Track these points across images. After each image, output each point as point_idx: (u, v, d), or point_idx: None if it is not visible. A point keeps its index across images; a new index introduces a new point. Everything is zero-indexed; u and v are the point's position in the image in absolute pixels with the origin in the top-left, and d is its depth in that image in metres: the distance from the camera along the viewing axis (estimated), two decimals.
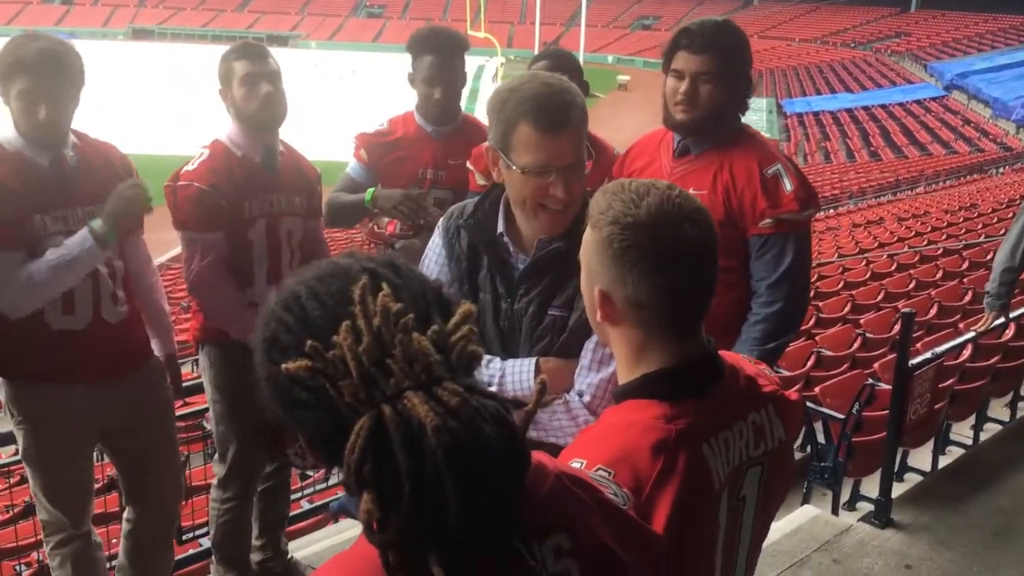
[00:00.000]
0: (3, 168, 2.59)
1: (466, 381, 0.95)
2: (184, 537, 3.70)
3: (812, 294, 8.01)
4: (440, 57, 3.25)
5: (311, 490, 4.26)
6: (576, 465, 1.30)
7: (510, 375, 1.94)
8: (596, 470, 1.28)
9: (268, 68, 3.00)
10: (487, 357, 1.95)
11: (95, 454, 3.05)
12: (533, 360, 1.95)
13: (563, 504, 1.08)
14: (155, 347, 3.03)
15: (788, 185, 2.61)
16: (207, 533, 3.61)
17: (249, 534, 3.35)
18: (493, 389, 1.84)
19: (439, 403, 0.91)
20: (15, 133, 2.64)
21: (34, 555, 3.90)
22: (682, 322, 1.42)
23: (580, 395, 1.96)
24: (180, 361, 3.22)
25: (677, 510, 1.29)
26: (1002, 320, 4.57)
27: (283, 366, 0.95)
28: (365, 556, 0.95)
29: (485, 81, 48.18)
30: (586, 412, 1.93)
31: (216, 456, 3.25)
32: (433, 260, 2.11)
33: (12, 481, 4.82)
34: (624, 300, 1.38)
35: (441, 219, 2.14)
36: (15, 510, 4.62)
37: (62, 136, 2.68)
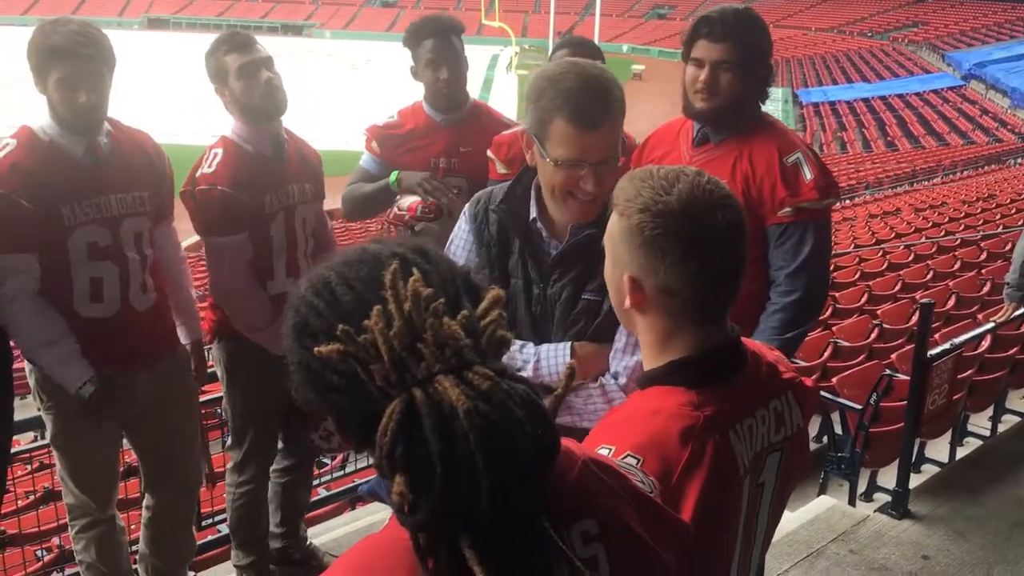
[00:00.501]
0: (35, 158, 2.60)
1: (496, 365, 0.96)
2: (203, 523, 3.73)
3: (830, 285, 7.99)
4: (439, 39, 3.25)
5: (328, 478, 4.28)
6: (604, 452, 1.30)
7: (545, 360, 1.94)
8: (624, 457, 1.29)
9: (261, 56, 2.93)
10: (520, 342, 1.95)
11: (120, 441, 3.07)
12: (568, 344, 1.95)
13: (591, 490, 1.08)
14: (181, 334, 3.04)
15: (808, 174, 2.60)
16: (226, 519, 3.64)
17: (265, 518, 3.38)
18: (528, 374, 1.84)
19: (470, 387, 0.91)
20: (51, 121, 2.65)
21: (55, 540, 3.94)
22: (711, 309, 1.42)
23: (615, 377, 1.96)
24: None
25: (705, 497, 1.30)
26: (1022, 311, 4.54)
27: (316, 350, 0.96)
28: (396, 538, 0.96)
29: (499, 70, 48.11)
30: (621, 394, 1.93)
31: (230, 442, 3.28)
32: (460, 246, 2.11)
33: (32, 467, 4.87)
34: (655, 287, 1.38)
35: (467, 205, 2.14)
36: (34, 496, 4.67)
37: (100, 121, 2.69)
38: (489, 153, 3.21)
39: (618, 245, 1.41)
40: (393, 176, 3.19)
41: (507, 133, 3.26)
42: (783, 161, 2.61)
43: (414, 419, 0.90)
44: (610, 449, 1.32)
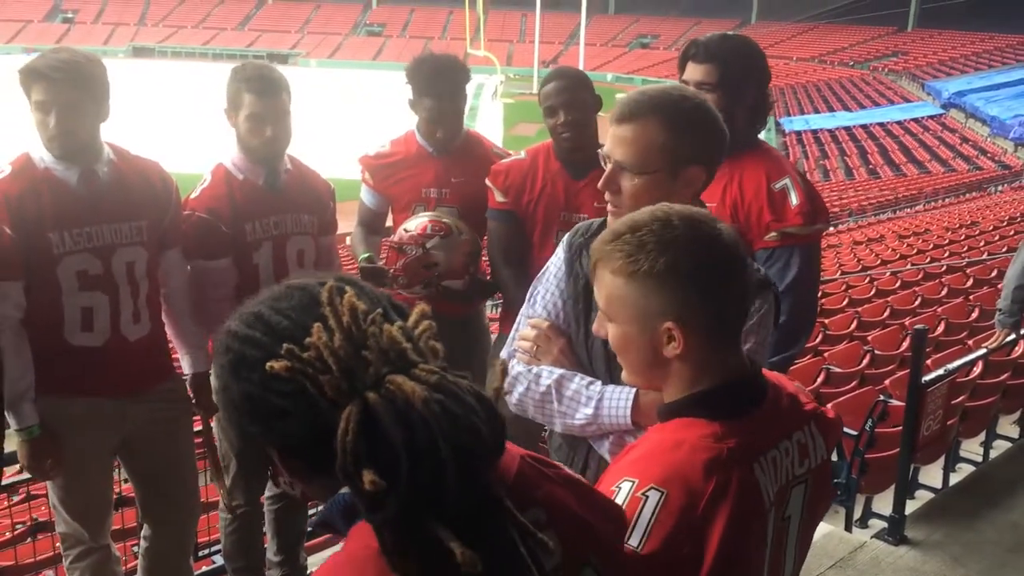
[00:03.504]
0: (25, 186, 2.61)
1: (439, 363, 1.02)
2: (200, 553, 3.68)
3: (818, 311, 8.03)
4: (442, 102, 3.28)
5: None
6: (627, 485, 1.32)
7: (608, 400, 1.83)
8: (648, 489, 1.29)
9: (276, 108, 2.95)
10: (589, 379, 1.86)
11: (114, 469, 3.04)
12: (633, 390, 1.82)
13: (533, 480, 1.13)
14: (185, 365, 3.02)
15: (794, 199, 2.61)
16: (220, 551, 3.60)
17: (260, 545, 3.35)
18: (589, 411, 1.79)
19: (419, 381, 0.97)
20: (47, 149, 2.65)
21: (47, 572, 3.89)
22: (734, 331, 1.43)
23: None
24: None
25: (731, 530, 1.29)
26: (1013, 337, 4.58)
27: (267, 365, 0.98)
28: (359, 548, 1.00)
29: (485, 99, 48.31)
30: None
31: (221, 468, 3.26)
32: (554, 273, 2.04)
33: (16, 499, 4.81)
34: (700, 320, 1.37)
35: (567, 235, 2.09)
36: (23, 527, 4.60)
37: (85, 148, 2.67)
38: (487, 181, 3.22)
39: (642, 300, 1.38)
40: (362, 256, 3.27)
41: (505, 161, 3.28)
42: (771, 186, 2.63)
43: (372, 418, 0.95)
44: (633, 482, 1.31)
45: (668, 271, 1.35)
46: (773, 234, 2.60)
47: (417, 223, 3.14)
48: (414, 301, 1.14)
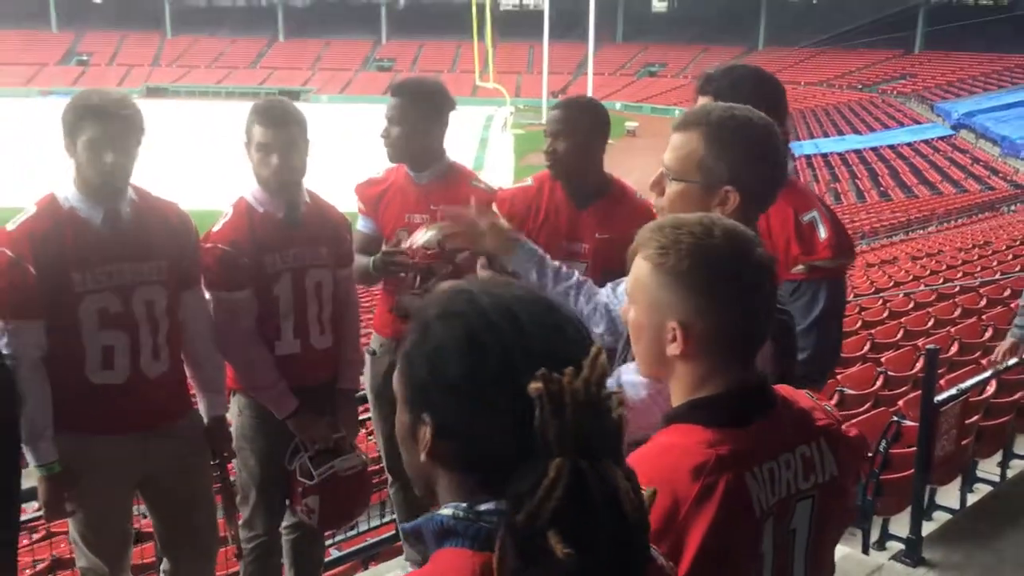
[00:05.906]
0: (51, 225, 2.67)
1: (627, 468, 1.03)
2: None
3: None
4: (399, 99, 3.35)
5: (341, 537, 4.27)
6: None
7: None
8: None
9: (283, 137, 2.99)
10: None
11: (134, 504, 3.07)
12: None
13: None
14: (203, 408, 3.04)
15: (823, 232, 2.58)
16: None
17: (278, 575, 3.37)
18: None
19: (625, 478, 0.99)
20: (73, 189, 2.72)
21: None
22: (751, 347, 1.46)
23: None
24: None
25: (712, 533, 1.31)
26: (1012, 341, 4.56)
27: (530, 386, 0.95)
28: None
29: (495, 130, 48.63)
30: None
31: (239, 498, 3.30)
32: None
33: (35, 537, 4.84)
34: (706, 330, 1.41)
35: None
36: (39, 566, 4.63)
37: (122, 186, 2.75)
38: (493, 207, 3.26)
39: (659, 292, 1.44)
40: (371, 263, 3.30)
41: (510, 188, 3.35)
42: (799, 218, 2.59)
43: (582, 486, 0.95)
44: None
45: (687, 273, 1.40)
46: (800, 267, 2.58)
47: (431, 236, 3.10)
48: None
